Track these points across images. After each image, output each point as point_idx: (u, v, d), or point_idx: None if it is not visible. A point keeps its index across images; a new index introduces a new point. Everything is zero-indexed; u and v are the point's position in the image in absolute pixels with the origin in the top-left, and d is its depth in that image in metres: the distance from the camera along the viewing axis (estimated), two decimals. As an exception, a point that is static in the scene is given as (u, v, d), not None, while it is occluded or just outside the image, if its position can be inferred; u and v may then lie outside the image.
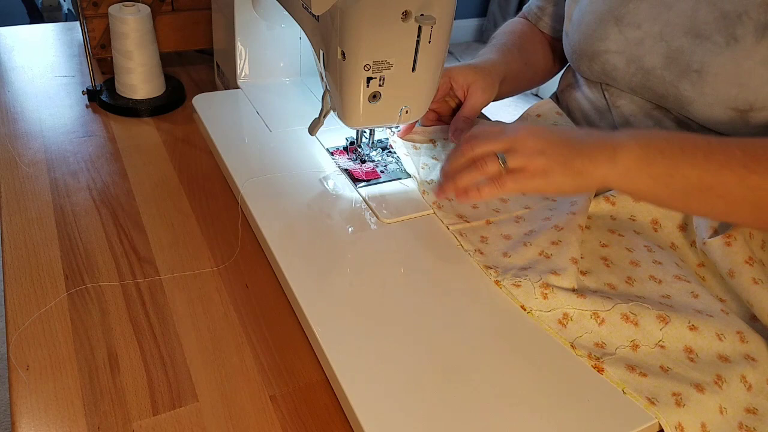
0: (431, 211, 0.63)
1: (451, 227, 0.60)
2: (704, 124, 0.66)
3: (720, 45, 0.60)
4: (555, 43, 0.89)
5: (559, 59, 0.91)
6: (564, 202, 0.64)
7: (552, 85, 0.95)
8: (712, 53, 0.61)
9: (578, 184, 0.54)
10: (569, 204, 0.62)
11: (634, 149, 0.53)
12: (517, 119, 0.81)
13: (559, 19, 0.86)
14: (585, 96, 0.80)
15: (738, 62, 0.59)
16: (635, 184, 0.54)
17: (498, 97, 0.77)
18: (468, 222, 0.61)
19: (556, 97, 0.89)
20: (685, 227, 0.63)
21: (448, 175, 0.56)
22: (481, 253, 0.57)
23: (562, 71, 0.90)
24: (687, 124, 0.68)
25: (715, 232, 0.59)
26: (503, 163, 0.53)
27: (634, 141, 0.54)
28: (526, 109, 0.83)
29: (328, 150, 0.71)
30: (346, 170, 0.68)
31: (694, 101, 0.64)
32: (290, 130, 0.74)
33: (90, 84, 0.83)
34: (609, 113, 0.75)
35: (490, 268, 0.55)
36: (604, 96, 0.76)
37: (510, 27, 0.89)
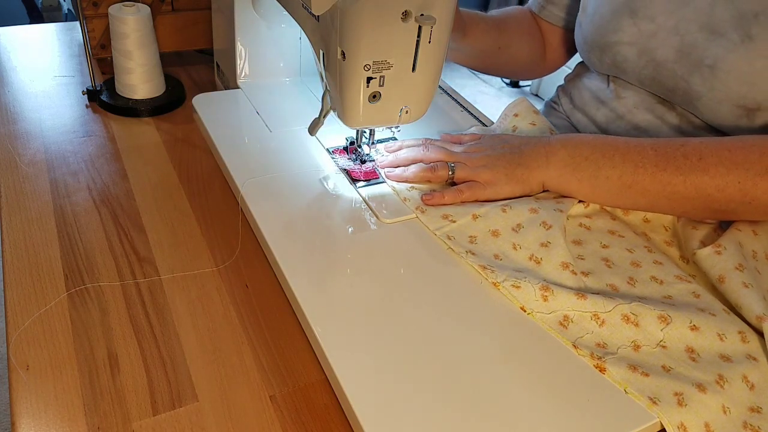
0: (414, 216, 0.61)
1: (437, 232, 0.59)
2: (708, 122, 0.66)
3: (735, 42, 0.61)
4: (555, 35, 0.88)
5: (556, 53, 0.90)
6: (548, 197, 0.64)
7: (558, 75, 0.95)
8: (726, 50, 0.61)
9: (522, 189, 0.63)
10: (554, 201, 0.62)
11: (563, 156, 0.62)
12: (498, 119, 0.80)
13: (564, 8, 0.86)
14: (588, 87, 0.80)
15: (751, 61, 0.60)
16: (566, 186, 0.62)
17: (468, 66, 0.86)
18: (454, 221, 0.60)
19: (561, 87, 0.89)
20: (671, 242, 0.62)
21: (397, 162, 0.66)
22: (473, 254, 0.57)
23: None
24: (690, 120, 0.68)
25: (702, 244, 0.59)
26: (451, 172, 0.63)
27: (564, 149, 0.62)
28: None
29: (328, 150, 0.71)
30: (346, 170, 0.68)
31: (703, 96, 0.64)
32: (290, 130, 0.74)
33: (90, 84, 0.83)
34: (611, 104, 0.75)
35: (486, 268, 0.55)
36: (609, 86, 0.76)
37: (508, 10, 0.88)
